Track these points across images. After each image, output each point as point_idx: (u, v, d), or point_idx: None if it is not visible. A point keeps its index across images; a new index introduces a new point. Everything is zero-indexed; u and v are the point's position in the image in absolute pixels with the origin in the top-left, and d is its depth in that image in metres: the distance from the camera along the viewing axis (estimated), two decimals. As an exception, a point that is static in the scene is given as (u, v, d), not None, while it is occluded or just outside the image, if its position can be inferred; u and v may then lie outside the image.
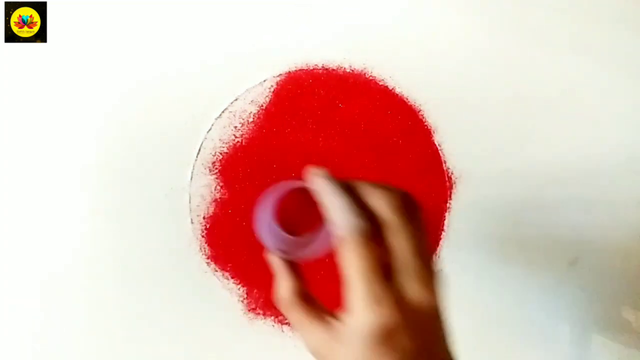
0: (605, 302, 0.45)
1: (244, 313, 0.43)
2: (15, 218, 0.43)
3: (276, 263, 0.29)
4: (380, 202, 0.26)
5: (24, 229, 0.43)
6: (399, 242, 0.26)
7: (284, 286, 0.28)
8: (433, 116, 0.45)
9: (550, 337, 0.45)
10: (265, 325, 0.43)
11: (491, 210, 0.44)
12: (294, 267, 0.29)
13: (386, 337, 0.25)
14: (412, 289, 0.25)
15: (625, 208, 0.45)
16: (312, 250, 0.28)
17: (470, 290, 0.45)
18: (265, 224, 0.28)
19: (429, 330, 0.26)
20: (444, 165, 0.44)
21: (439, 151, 0.44)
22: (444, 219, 0.44)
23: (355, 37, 0.44)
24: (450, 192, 0.44)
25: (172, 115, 0.44)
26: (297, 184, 0.27)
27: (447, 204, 0.44)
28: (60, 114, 0.43)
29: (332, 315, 0.27)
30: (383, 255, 0.26)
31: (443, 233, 0.44)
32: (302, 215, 0.27)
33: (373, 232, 0.26)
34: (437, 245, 0.44)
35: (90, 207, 0.43)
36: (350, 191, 0.27)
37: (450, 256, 0.44)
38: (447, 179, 0.44)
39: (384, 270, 0.25)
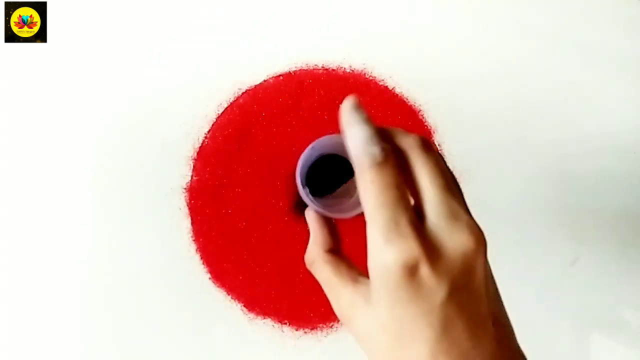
0: (605, 302, 0.45)
1: (244, 313, 0.43)
2: (14, 217, 0.43)
3: (311, 218, 0.27)
4: (408, 140, 0.23)
5: (22, 228, 0.43)
6: (432, 181, 0.22)
7: (315, 242, 0.26)
8: (433, 116, 0.45)
9: (550, 337, 0.45)
10: (265, 325, 0.43)
11: (491, 210, 0.44)
12: (329, 225, 0.26)
13: (409, 274, 0.20)
14: (445, 229, 0.21)
15: (626, 208, 0.45)
16: (345, 208, 0.26)
17: (470, 290, 0.45)
18: (301, 181, 0.27)
19: (465, 280, 0.21)
20: (444, 165, 0.44)
21: (439, 151, 0.44)
22: (444, 219, 0.44)
23: (355, 37, 0.44)
24: (450, 192, 0.44)
25: (172, 115, 0.44)
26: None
27: (447, 204, 0.44)
28: (60, 114, 0.44)
29: (365, 275, 0.24)
30: (406, 192, 0.22)
31: (443, 233, 0.44)
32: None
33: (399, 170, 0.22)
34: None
35: (90, 207, 0.43)
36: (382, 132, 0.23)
37: (450, 256, 0.44)
38: (447, 179, 0.44)
39: (413, 214, 0.22)
